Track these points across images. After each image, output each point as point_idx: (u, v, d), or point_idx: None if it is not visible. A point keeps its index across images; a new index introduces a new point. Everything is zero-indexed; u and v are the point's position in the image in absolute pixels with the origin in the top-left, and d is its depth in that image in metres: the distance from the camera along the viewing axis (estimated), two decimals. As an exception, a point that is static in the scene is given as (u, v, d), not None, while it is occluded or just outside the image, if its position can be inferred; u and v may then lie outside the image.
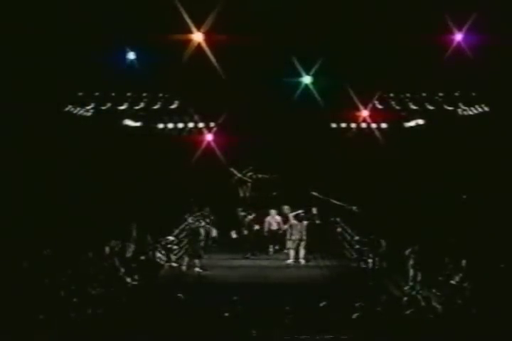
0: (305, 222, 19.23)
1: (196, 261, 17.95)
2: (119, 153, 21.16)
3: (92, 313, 11.86)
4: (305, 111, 19.04)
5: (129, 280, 16.23)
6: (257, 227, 19.99)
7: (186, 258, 18.15)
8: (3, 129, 16.74)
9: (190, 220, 18.80)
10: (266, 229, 19.99)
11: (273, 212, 20.04)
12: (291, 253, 19.03)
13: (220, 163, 22.39)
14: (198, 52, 15.46)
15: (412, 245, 16.31)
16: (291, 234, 19.13)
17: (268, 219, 20.02)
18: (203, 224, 18.98)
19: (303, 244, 19.04)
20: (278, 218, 19.95)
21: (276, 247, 20.28)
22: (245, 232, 19.97)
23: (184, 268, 17.95)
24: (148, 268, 17.38)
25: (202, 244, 18.46)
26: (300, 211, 19.54)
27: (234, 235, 20.85)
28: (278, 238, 20.08)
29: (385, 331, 10.87)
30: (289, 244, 19.23)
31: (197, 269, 17.83)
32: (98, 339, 10.81)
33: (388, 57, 15.70)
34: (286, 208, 20.20)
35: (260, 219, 20.17)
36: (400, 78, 16.92)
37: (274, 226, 19.96)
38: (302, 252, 19.04)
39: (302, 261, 18.93)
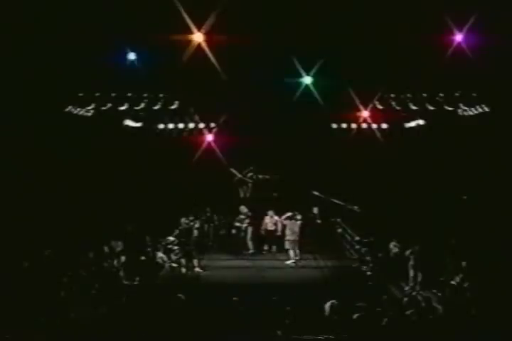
0: (298, 223, 19.23)
1: (195, 262, 17.94)
2: (119, 154, 21.17)
3: (91, 314, 11.87)
4: (305, 111, 19.03)
5: (129, 280, 16.25)
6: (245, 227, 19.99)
7: (183, 260, 18.14)
8: (3, 129, 16.74)
9: (183, 220, 18.77)
10: (262, 229, 20.01)
11: (270, 212, 20.03)
12: (291, 253, 19.05)
13: (221, 164, 22.41)
14: (198, 53, 15.45)
15: (413, 245, 16.32)
16: (286, 235, 19.20)
17: (265, 219, 20.03)
18: (197, 225, 18.95)
19: (297, 244, 19.06)
20: (276, 218, 19.95)
21: (274, 247, 20.25)
22: (233, 232, 19.91)
23: (183, 269, 17.93)
24: (148, 269, 17.37)
25: (195, 244, 18.43)
26: (290, 213, 19.56)
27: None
28: (275, 238, 20.09)
29: (385, 331, 10.85)
30: (286, 244, 19.28)
31: (197, 269, 17.82)
32: (98, 340, 10.80)
33: (388, 57, 15.69)
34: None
35: (255, 219, 20.19)
36: (400, 78, 16.91)
37: (270, 227, 19.96)
38: (296, 252, 19.06)
39: (295, 261, 18.89)
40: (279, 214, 19.98)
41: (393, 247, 17.15)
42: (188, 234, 18.42)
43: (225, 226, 21.05)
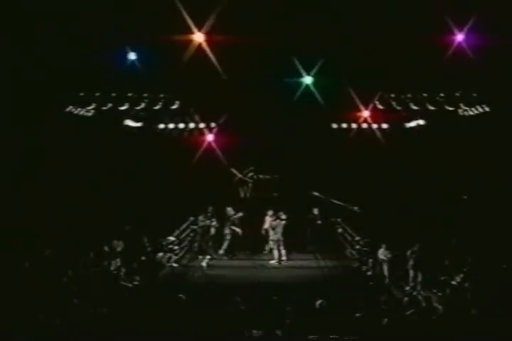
0: (283, 223, 19.19)
1: (205, 260, 18.05)
2: (119, 153, 21.17)
3: (92, 314, 11.87)
4: (306, 111, 19.04)
5: (129, 280, 16.26)
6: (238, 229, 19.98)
7: (199, 257, 18.25)
8: (3, 129, 16.75)
9: (201, 218, 18.83)
10: (263, 229, 20.00)
11: (270, 212, 20.00)
12: (275, 253, 19.05)
13: (221, 164, 22.41)
14: (198, 53, 15.46)
15: (413, 245, 16.33)
16: (270, 235, 19.24)
17: (266, 219, 20.02)
18: (214, 223, 18.99)
19: (282, 243, 19.05)
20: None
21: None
22: (226, 231, 19.94)
23: (191, 266, 18.03)
24: (149, 269, 17.37)
25: (210, 242, 18.52)
26: (274, 212, 19.58)
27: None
28: None
29: (385, 331, 10.85)
30: (270, 244, 19.29)
31: (203, 266, 17.98)
32: (98, 340, 10.80)
33: (389, 57, 15.70)
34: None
35: (252, 219, 20.19)
36: (400, 78, 16.92)
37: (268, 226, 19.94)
38: (283, 252, 19.06)
39: (278, 261, 18.88)
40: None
41: (380, 255, 17.08)
42: (205, 233, 18.52)
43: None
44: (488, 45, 15.12)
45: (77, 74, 16.36)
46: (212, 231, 18.90)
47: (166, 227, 19.53)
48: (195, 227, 20.86)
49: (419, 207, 20.46)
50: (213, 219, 19.07)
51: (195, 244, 19.15)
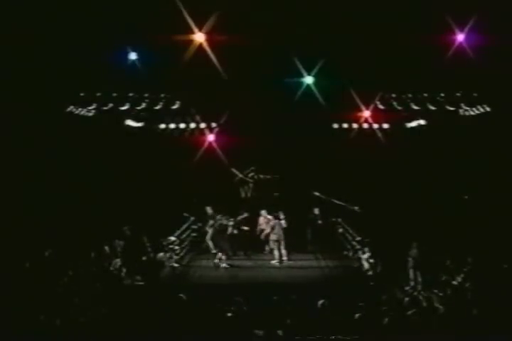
0: (282, 222, 19.18)
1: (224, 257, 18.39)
2: (120, 154, 21.18)
3: (92, 314, 11.87)
4: (306, 111, 19.03)
5: (130, 280, 16.26)
6: (246, 227, 19.92)
7: (219, 255, 18.47)
8: (4, 129, 16.75)
9: (218, 217, 18.91)
10: (258, 229, 19.97)
11: (263, 212, 19.96)
12: (275, 253, 19.04)
13: (222, 164, 22.41)
14: (199, 53, 15.46)
15: (414, 245, 16.32)
16: (270, 235, 19.22)
17: (260, 220, 20.00)
18: (231, 223, 19.06)
19: (283, 243, 19.04)
20: (270, 218, 19.87)
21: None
22: (235, 232, 19.86)
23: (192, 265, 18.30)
24: (150, 269, 17.37)
25: (228, 242, 18.59)
26: (269, 213, 19.61)
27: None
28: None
29: (386, 331, 10.84)
30: (270, 244, 19.30)
31: (224, 265, 18.33)
32: (98, 340, 10.79)
33: (389, 57, 15.70)
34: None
35: (253, 220, 20.16)
36: (401, 78, 16.91)
37: (265, 227, 19.87)
38: (283, 252, 19.04)
39: (279, 261, 18.88)
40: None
41: (390, 245, 17.10)
42: (223, 232, 18.59)
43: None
44: (488, 45, 15.11)
45: (77, 74, 16.35)
46: (229, 230, 18.99)
47: (167, 227, 19.53)
48: (195, 227, 20.89)
49: (419, 206, 20.44)
50: (231, 219, 19.14)
51: (210, 243, 19.19)
